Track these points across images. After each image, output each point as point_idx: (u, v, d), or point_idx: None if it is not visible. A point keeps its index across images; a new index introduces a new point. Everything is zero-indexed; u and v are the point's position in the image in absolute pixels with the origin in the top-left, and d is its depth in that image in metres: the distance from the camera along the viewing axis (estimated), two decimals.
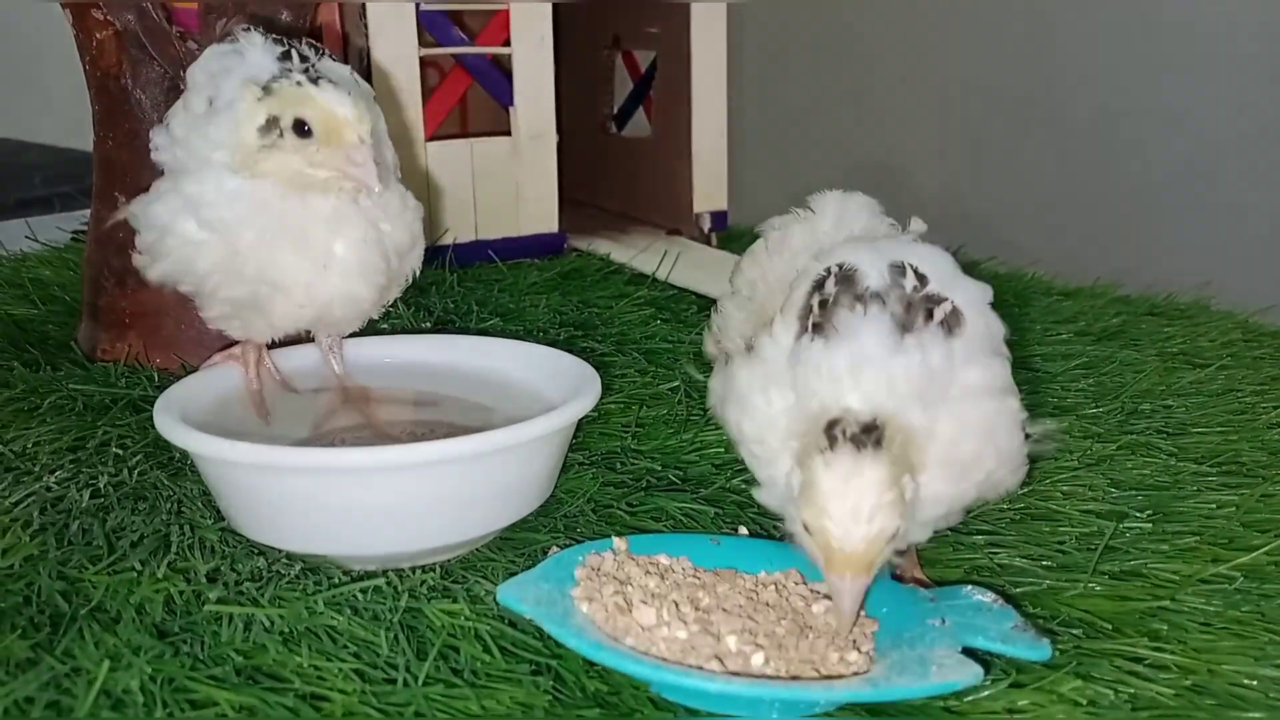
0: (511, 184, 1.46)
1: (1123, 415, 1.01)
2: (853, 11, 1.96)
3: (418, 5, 1.34)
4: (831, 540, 0.58)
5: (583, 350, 1.09)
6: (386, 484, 0.68)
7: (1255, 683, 0.62)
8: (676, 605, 0.62)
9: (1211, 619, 0.68)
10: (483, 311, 1.17)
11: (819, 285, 0.67)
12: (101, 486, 0.78)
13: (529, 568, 0.69)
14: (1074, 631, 0.67)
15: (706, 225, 1.60)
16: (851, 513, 0.58)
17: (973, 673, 0.56)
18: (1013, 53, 1.70)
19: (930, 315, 0.64)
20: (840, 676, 0.57)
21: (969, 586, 0.67)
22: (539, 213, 1.49)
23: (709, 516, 0.80)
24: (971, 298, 0.67)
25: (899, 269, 0.66)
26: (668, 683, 0.57)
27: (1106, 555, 0.75)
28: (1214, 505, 0.82)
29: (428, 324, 1.14)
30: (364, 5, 1.30)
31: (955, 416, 0.63)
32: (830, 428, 0.59)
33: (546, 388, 0.83)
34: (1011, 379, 0.67)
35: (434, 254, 1.31)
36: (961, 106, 1.78)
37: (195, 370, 0.97)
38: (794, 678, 0.57)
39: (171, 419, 0.72)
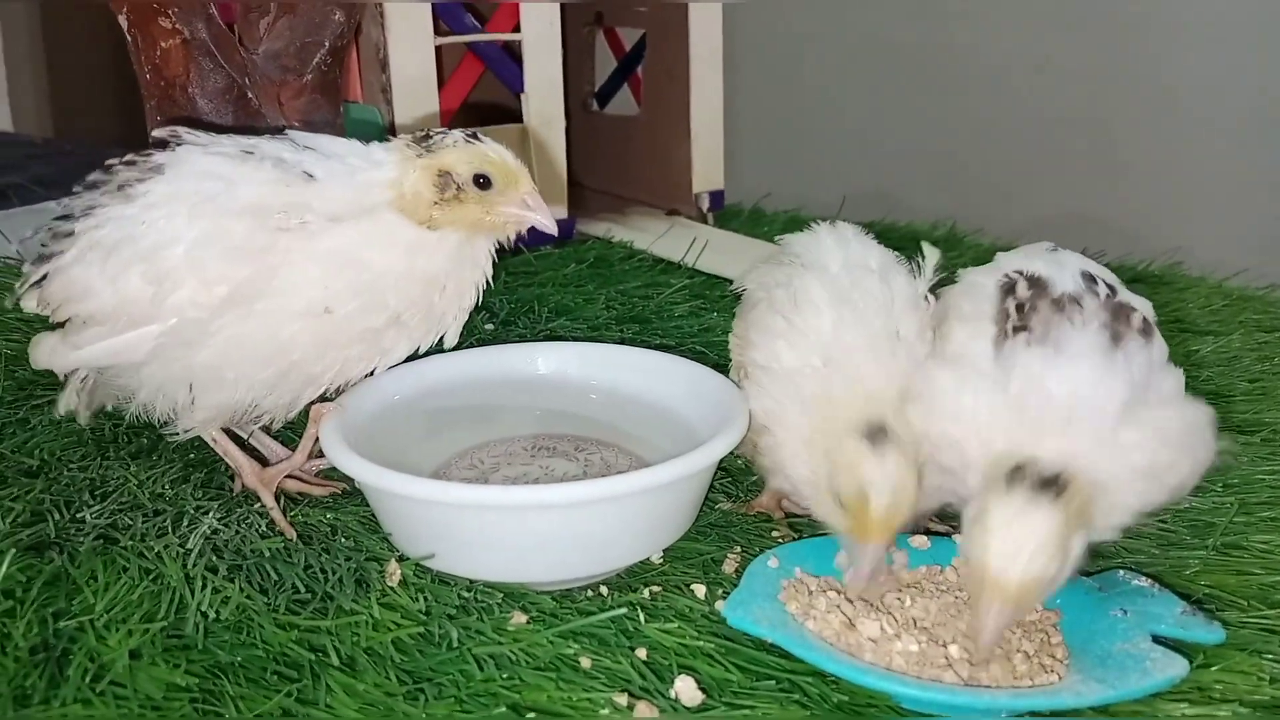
0: None
1: None
2: None
3: None
4: (988, 573, 0.61)
5: (659, 349, 1.11)
6: (590, 515, 0.70)
7: None
8: (894, 616, 0.67)
9: None
10: (543, 309, 1.18)
11: (1009, 289, 0.70)
12: (263, 526, 0.77)
13: (707, 577, 0.74)
14: (1208, 608, 0.74)
15: (705, 205, 1.63)
16: (1012, 552, 0.60)
17: (1182, 664, 0.62)
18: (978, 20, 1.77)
19: (1129, 323, 0.67)
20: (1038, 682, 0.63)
21: (1122, 572, 0.73)
22: (549, 198, 1.49)
23: None
24: (1148, 310, 0.70)
25: (1089, 277, 0.69)
26: (917, 698, 0.61)
27: (1206, 530, 0.83)
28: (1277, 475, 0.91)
29: (490, 326, 1.14)
30: None
31: (1155, 425, 0.65)
32: (1014, 471, 0.62)
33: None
34: None
35: None
36: (954, 79, 1.85)
37: None
38: (1014, 685, 0.62)
39: (353, 456, 0.72)
